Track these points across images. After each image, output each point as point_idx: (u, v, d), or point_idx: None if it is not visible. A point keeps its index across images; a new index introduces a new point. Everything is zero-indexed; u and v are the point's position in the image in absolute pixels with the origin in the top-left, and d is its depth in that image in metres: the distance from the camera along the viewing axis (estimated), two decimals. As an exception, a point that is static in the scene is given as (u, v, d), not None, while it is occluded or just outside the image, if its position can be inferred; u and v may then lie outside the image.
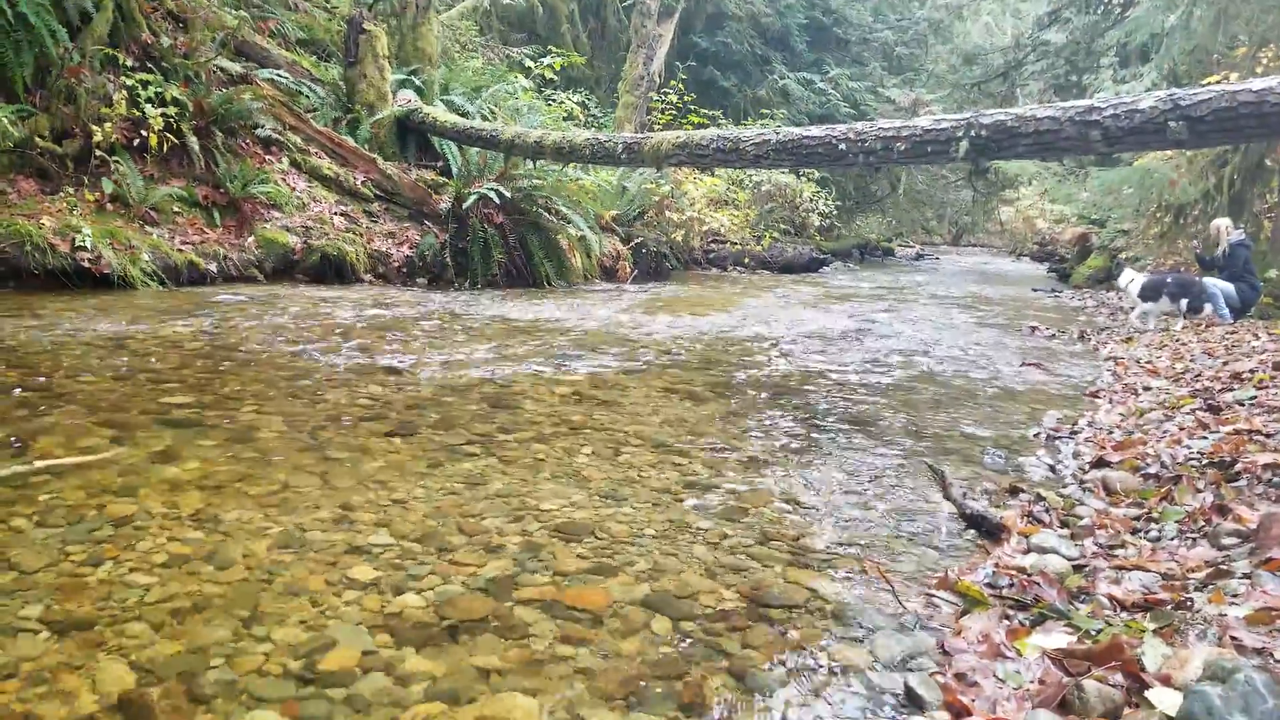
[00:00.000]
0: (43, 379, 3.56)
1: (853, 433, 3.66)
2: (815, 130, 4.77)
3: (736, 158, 5.19)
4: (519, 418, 3.56)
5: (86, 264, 6.17)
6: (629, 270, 10.85)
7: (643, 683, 1.63)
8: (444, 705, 1.52)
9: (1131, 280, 8.31)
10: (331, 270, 8.03)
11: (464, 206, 8.59)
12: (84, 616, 1.71)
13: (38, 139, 6.83)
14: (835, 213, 17.59)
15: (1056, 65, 18.37)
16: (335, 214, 8.72)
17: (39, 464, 2.48)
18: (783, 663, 1.75)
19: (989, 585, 2.10)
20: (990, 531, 2.51)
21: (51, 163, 6.91)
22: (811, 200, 16.18)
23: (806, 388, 4.62)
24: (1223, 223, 8.47)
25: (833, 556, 2.30)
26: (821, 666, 1.74)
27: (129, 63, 7.57)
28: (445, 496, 2.55)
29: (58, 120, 7.06)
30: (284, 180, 8.58)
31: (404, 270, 8.71)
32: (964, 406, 4.34)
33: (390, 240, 8.96)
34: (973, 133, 4.07)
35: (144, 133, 7.25)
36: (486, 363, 4.67)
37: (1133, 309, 8.30)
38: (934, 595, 2.07)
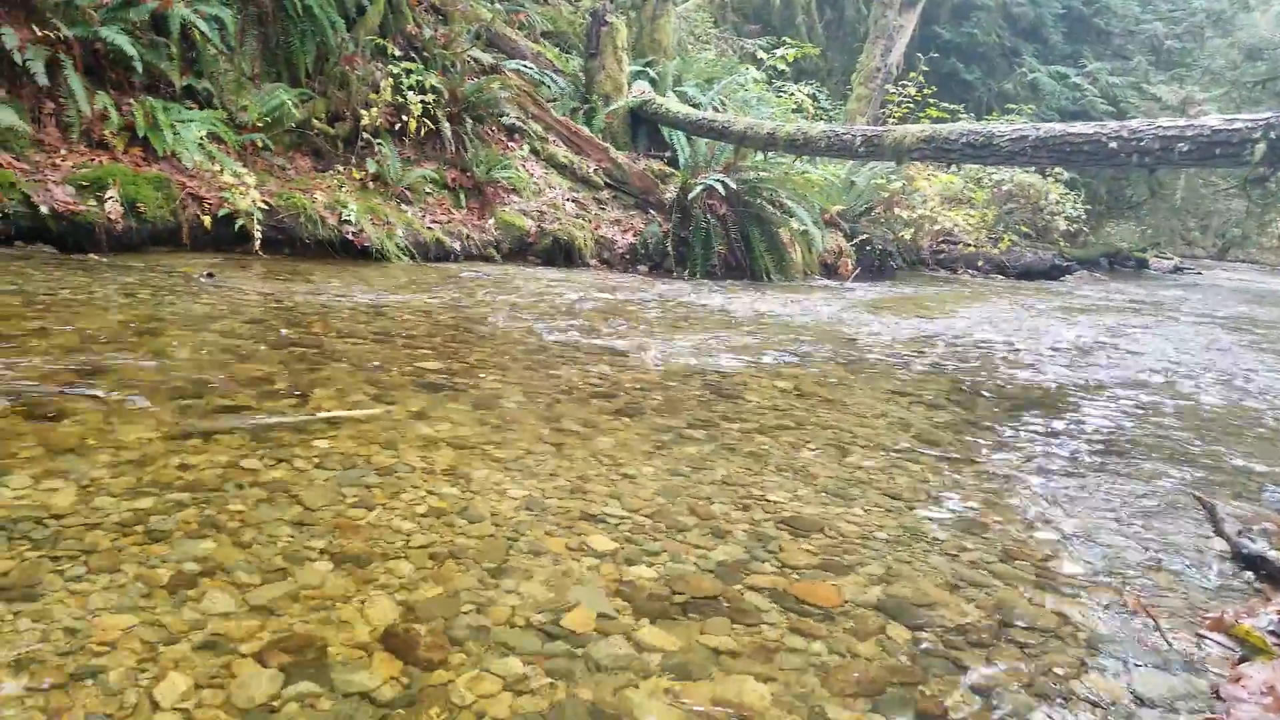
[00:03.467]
0: (316, 338, 3.95)
1: (1106, 454, 3.36)
2: (1082, 127, 4.41)
3: (988, 154, 4.89)
4: (740, 408, 3.55)
5: (350, 237, 6.79)
6: (851, 268, 10.56)
7: (880, 685, 1.58)
8: (678, 680, 1.53)
9: None
10: (561, 254, 8.39)
11: (689, 197, 8.69)
12: (358, 553, 1.87)
13: (315, 120, 7.59)
14: (1084, 217, 16.25)
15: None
16: (567, 200, 9.10)
17: (320, 415, 2.75)
18: (1031, 686, 1.63)
19: (1272, 633, 1.87)
20: (1272, 575, 2.23)
21: (325, 143, 7.67)
22: (1058, 203, 15.03)
23: (1051, 402, 4.30)
24: None
25: (1085, 583, 2.12)
26: (1076, 695, 1.61)
27: (395, 52, 8.24)
28: (673, 477, 2.59)
29: (332, 104, 7.82)
30: (523, 166, 9.05)
31: (627, 256, 8.95)
32: (1236, 436, 3.88)
33: (616, 227, 9.23)
34: (1273, 134, 3.60)
35: (404, 118, 7.88)
36: (707, 351, 4.70)
37: None
38: (1206, 637, 1.87)
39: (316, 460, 2.37)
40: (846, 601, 1.90)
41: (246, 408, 2.76)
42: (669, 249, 8.86)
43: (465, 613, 1.68)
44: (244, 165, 6.72)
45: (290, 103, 7.28)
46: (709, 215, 8.79)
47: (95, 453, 2.24)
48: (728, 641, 1.68)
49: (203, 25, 6.60)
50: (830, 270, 10.45)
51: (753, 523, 2.30)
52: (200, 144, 6.43)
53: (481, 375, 3.57)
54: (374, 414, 2.83)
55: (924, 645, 1.74)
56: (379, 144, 7.79)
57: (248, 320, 4.18)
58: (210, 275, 5.27)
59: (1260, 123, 3.59)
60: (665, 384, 3.82)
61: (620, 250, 8.99)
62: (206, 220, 6.08)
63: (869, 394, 4.08)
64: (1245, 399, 4.83)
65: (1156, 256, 21.22)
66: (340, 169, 7.58)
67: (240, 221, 6.17)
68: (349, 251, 6.81)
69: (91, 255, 5.48)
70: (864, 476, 2.80)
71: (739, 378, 4.14)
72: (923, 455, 3.11)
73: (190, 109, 6.74)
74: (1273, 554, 2.30)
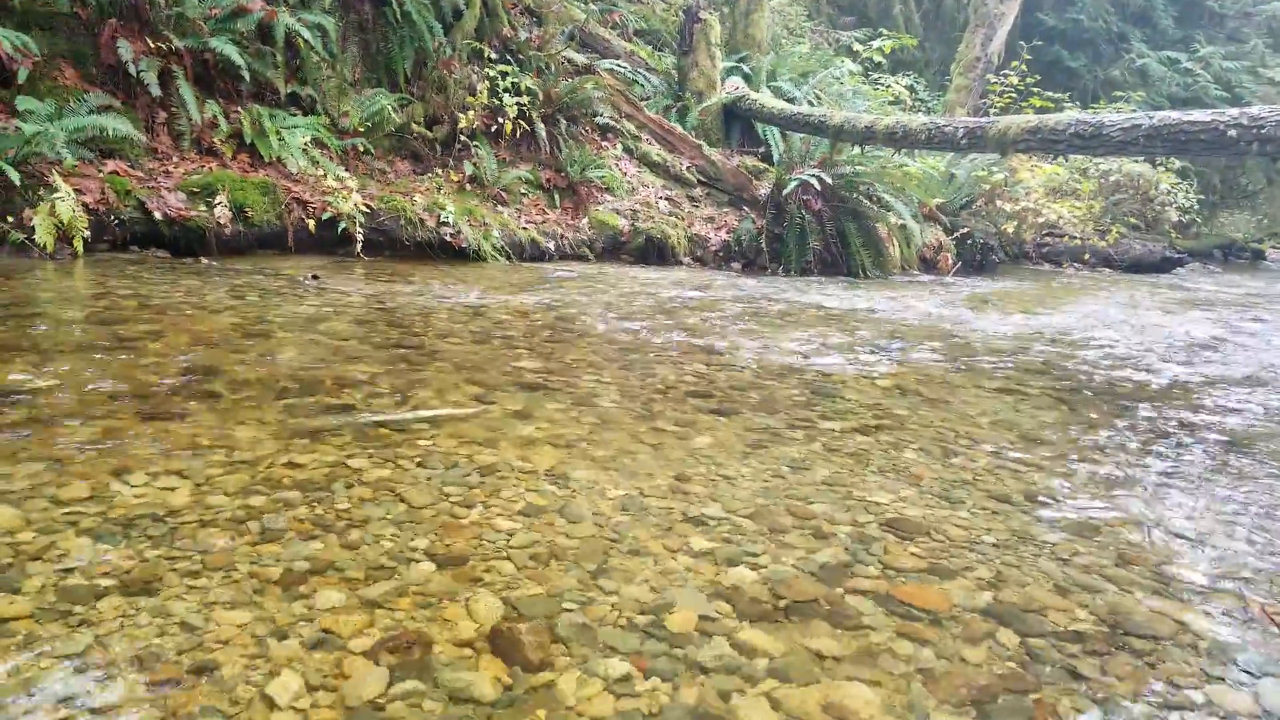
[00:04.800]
0: (417, 338, 4.07)
1: (1228, 455, 3.19)
2: (1198, 114, 4.18)
3: (1098, 144, 4.69)
4: (839, 407, 3.50)
5: (448, 238, 6.97)
6: (951, 262, 10.28)
7: (990, 693, 1.53)
8: (784, 684, 1.52)
9: None
10: (654, 252, 8.43)
11: (783, 192, 8.60)
12: (461, 552, 1.92)
13: (414, 124, 7.81)
14: (1196, 207, 15.42)
15: None
16: (660, 198, 9.12)
17: (423, 413, 2.83)
18: (1149, 696, 1.56)
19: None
20: None
21: (423, 146, 7.88)
22: (1169, 192, 14.30)
23: (1166, 401, 4.09)
24: None
25: (1206, 590, 2.02)
26: (1198, 706, 1.53)
27: (491, 55, 8.41)
28: (773, 478, 2.56)
29: (430, 108, 8.03)
30: (616, 165, 9.12)
31: (720, 254, 8.92)
32: (1376, 440, 3.61)
33: (709, 225, 9.21)
34: None
35: (500, 120, 8.03)
36: (803, 349, 4.64)
37: None
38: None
39: (419, 459, 2.44)
40: (955, 606, 1.85)
41: (352, 407, 2.86)
42: (763, 246, 8.79)
43: (568, 611, 1.70)
44: (346, 169, 6.97)
45: (390, 107, 7.51)
46: (804, 211, 8.69)
47: (209, 452, 2.35)
48: (831, 645, 1.65)
49: (306, 33, 6.87)
50: (929, 265, 10.20)
51: (855, 524, 2.26)
52: (304, 149, 6.70)
53: (578, 374, 3.61)
54: (474, 413, 2.90)
55: (1036, 652, 1.69)
56: (475, 146, 7.97)
57: (351, 321, 4.34)
58: (315, 277, 5.48)
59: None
60: (761, 382, 3.79)
61: (714, 248, 8.97)
62: (311, 224, 6.33)
63: (972, 393, 3.96)
64: (1386, 399, 4.50)
65: (1274, 248, 19.96)
66: (438, 171, 7.79)
67: (343, 224, 6.40)
68: (447, 252, 6.99)
69: (202, 259, 5.78)
70: (969, 478, 2.72)
71: (836, 376, 4.07)
72: (1030, 457, 3.00)
73: (294, 115, 7.03)
74: None
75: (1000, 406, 3.73)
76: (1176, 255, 14.25)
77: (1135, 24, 19.32)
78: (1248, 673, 1.66)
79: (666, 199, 9.21)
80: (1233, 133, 4.02)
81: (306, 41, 6.93)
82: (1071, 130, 4.88)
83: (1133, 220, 13.78)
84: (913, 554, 2.10)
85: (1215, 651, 1.74)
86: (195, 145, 6.42)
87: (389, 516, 2.06)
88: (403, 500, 2.16)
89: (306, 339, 3.82)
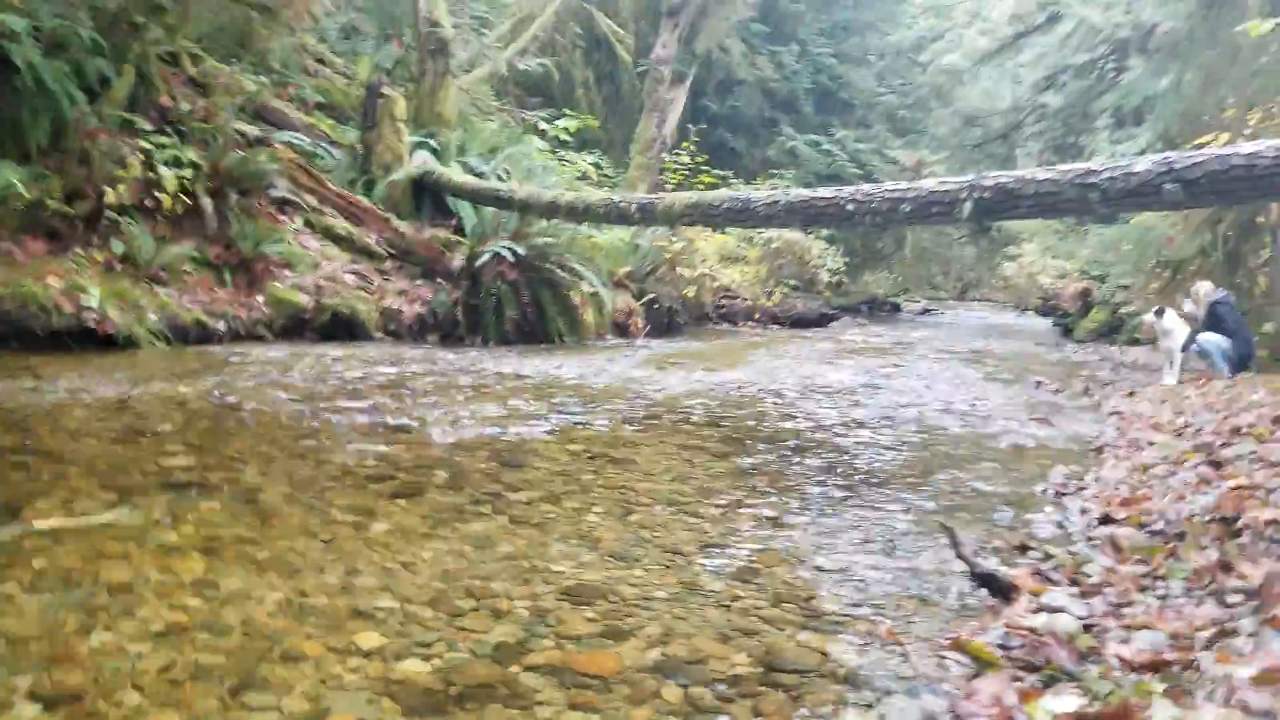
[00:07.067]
0: (39, 442, 3.54)
1: (864, 489, 3.60)
2: (824, 191, 4.81)
3: (747, 217, 5.22)
4: (528, 476, 3.52)
5: (92, 324, 6.18)
6: (641, 326, 10.86)
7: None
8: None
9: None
10: (343, 328, 8.06)
11: (477, 264, 8.65)
12: (77, 686, 1.65)
13: (49, 200, 6.90)
14: (844, 269, 17.68)
15: (1054, 127, 18.74)
16: (347, 272, 8.79)
17: (39, 525, 2.45)
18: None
19: (1000, 646, 2.04)
20: (1001, 591, 2.44)
21: (62, 223, 6.97)
22: (820, 257, 16.27)
23: (818, 444, 4.57)
24: (1203, 286, 8.43)
25: (844, 618, 2.24)
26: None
27: (147, 126, 7.70)
28: (454, 559, 2.50)
29: (70, 181, 7.16)
30: (297, 240, 8.67)
31: (415, 328, 8.74)
32: (973, 462, 4.28)
33: (402, 298, 9.01)
34: (976, 195, 4.09)
35: (157, 194, 7.34)
36: (496, 420, 4.63)
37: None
38: (946, 657, 2.01)
39: (31, 582, 2.10)
40: (626, 668, 1.89)
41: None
42: (460, 317, 8.74)
43: (206, 739, 1.52)
44: (-38, 251, 6.00)
45: (18, 181, 6.61)
46: (499, 281, 8.77)
47: None
48: (499, 730, 1.62)
49: (-94, 98, 5.89)
50: (622, 329, 10.69)
51: (533, 597, 2.25)
52: (-97, 229, 5.69)
53: (241, 467, 3.32)
54: (107, 521, 2.55)
55: (696, 701, 1.76)
56: (127, 222, 7.20)
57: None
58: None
59: (965, 185, 4.09)
60: (450, 459, 3.72)
61: (408, 321, 8.76)
62: (-89, 315, 5.35)
63: (655, 449, 4.16)
64: (980, 425, 5.36)
65: (908, 300, 23.47)
66: (80, 251, 6.92)
67: (-45, 315, 5.49)
68: (92, 341, 6.19)
69: None
70: (646, 535, 2.83)
71: (528, 444, 4.10)
72: (702, 508, 3.19)
73: (-109, 189, 5.96)
74: (1001, 570, 2.52)
75: (677, 462, 3.95)
76: (831, 311, 16.20)
77: (783, 111, 21.98)
78: (877, 692, 1.85)
79: (354, 273, 8.89)
80: (851, 207, 4.66)
81: (-94, 105, 5.94)
82: (725, 205, 5.41)
83: (793, 281, 15.48)
84: (587, 619, 2.13)
85: (851, 677, 1.92)
86: None
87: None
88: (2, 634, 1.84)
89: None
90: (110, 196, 7.02)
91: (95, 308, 6.19)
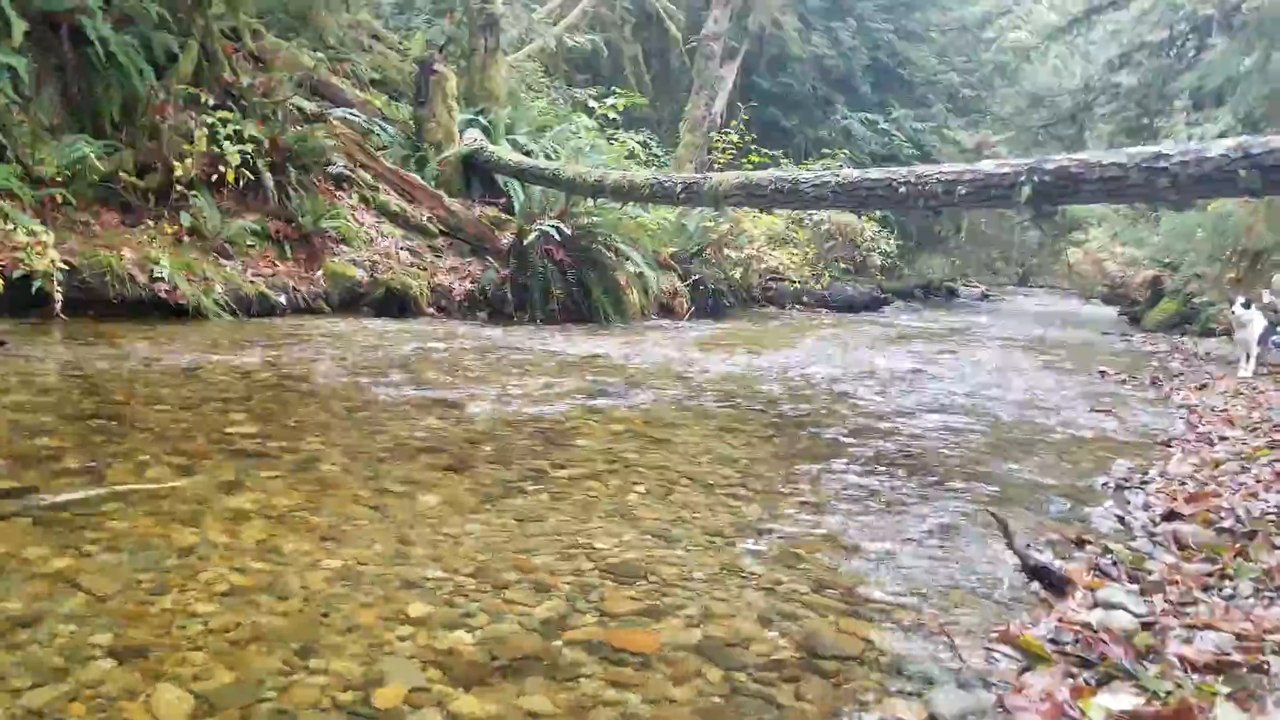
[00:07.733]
0: (116, 407, 3.69)
1: (913, 478, 3.59)
2: (875, 173, 4.76)
3: (795, 198, 5.19)
4: (572, 454, 3.57)
5: (163, 294, 6.41)
6: (686, 307, 10.87)
7: (692, 731, 1.61)
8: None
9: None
10: (395, 303, 8.21)
11: (525, 242, 8.73)
12: (146, 642, 1.75)
13: (122, 173, 7.15)
14: (897, 252, 17.43)
15: (1127, 108, 17.95)
16: (401, 249, 8.94)
17: (117, 489, 2.57)
18: (835, 716, 1.71)
19: (1052, 641, 2.03)
20: (1054, 585, 2.42)
21: (134, 196, 7.22)
22: (873, 239, 16.07)
23: (865, 430, 4.55)
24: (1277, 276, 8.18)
25: (889, 607, 2.25)
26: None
27: (210, 101, 7.89)
28: (500, 533, 2.56)
29: (141, 155, 7.39)
30: (353, 216, 8.84)
31: (465, 304, 8.87)
32: (1029, 453, 4.22)
33: (453, 275, 9.14)
34: (1035, 178, 4.01)
35: (222, 168, 7.54)
36: (541, 398, 4.70)
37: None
38: (994, 650, 2.01)
39: (108, 543, 2.21)
40: (665, 646, 1.93)
41: (31, 489, 2.55)
42: (508, 295, 8.84)
43: (266, 699, 1.60)
44: (42, 222, 6.23)
45: (93, 154, 6.84)
46: (546, 260, 8.85)
47: None
48: (545, 703, 1.67)
49: (-12, 74, 6.13)
50: (667, 310, 10.71)
51: (577, 573, 2.30)
52: (-14, 200, 5.93)
53: (300, 437, 3.43)
54: (176, 486, 2.66)
55: (738, 685, 1.80)
56: (195, 196, 7.42)
57: (39, 391, 3.86)
58: (2, 344, 4.84)
59: (1024, 168, 4.00)
60: (497, 434, 3.79)
61: (458, 298, 8.89)
62: (-2, 283, 5.59)
63: (697, 431, 4.19)
64: (1038, 416, 5.28)
65: (965, 285, 23.03)
66: (151, 223, 7.16)
67: (38, 283, 5.72)
68: (163, 310, 6.42)
69: None
70: (687, 515, 2.87)
71: (572, 423, 4.16)
72: (743, 490, 3.22)
73: (-24, 162, 6.21)
74: (1055, 564, 2.50)
75: (719, 444, 3.98)
76: (883, 295, 16.00)
77: (839, 89, 21.65)
78: (922, 682, 1.85)
79: (407, 249, 9.04)
80: (903, 189, 4.60)
81: (-11, 81, 6.17)
82: (773, 186, 5.38)
83: (844, 265, 15.33)
84: (629, 597, 2.18)
85: (895, 666, 1.91)
86: None
87: (65, 611, 1.84)
88: (84, 591, 1.94)
89: (-24, 415, 3.35)
90: (179, 170, 7.24)
91: (166, 279, 6.40)
